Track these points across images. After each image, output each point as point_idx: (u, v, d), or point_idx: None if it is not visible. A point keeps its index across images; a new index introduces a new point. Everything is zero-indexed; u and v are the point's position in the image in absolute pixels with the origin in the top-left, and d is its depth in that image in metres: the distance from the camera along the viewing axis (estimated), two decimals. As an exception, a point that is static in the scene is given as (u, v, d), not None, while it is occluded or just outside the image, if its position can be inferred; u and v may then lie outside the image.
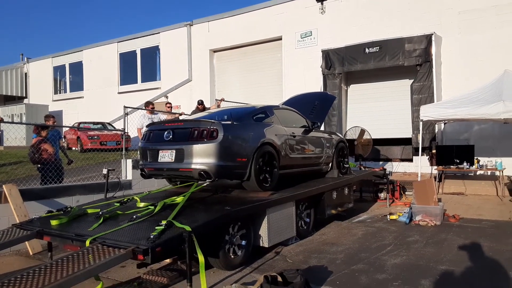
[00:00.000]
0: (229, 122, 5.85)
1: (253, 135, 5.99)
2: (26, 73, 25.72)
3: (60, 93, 24.65)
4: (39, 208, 6.52)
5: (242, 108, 7.35)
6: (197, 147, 5.51)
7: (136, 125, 9.51)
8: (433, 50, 12.18)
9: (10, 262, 5.74)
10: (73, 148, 15.69)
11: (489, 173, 11.17)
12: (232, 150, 5.65)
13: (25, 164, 10.60)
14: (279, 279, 4.25)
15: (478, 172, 11.21)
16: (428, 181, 8.19)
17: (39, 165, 7.51)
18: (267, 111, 6.73)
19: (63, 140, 10.41)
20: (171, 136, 5.82)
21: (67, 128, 16.86)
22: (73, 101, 23.04)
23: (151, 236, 4.04)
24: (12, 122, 17.76)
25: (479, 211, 8.64)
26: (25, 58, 26.06)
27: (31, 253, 6.10)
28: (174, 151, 5.69)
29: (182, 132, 5.79)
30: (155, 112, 10.22)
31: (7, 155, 13.54)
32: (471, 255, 5.66)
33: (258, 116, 6.52)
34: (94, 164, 10.77)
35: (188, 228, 4.21)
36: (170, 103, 11.67)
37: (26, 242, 6.00)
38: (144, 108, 10.35)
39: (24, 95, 25.59)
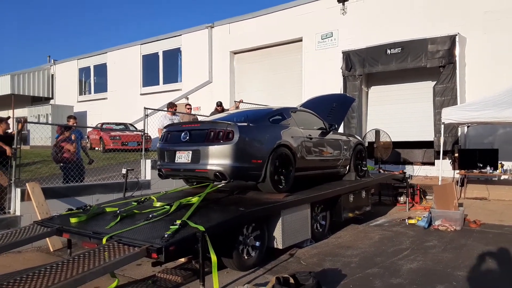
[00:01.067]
0: (245, 124, 5.89)
1: (269, 137, 6.01)
2: (52, 75, 26.49)
3: (85, 94, 25.28)
4: (61, 206, 6.70)
5: (259, 110, 7.37)
6: (212, 149, 5.57)
7: (156, 126, 9.66)
8: (457, 51, 11.91)
9: (31, 258, 5.93)
10: (96, 148, 16.07)
11: (514, 178, 10.84)
12: (248, 151, 5.68)
13: (49, 163, 10.91)
14: (291, 281, 4.26)
15: (502, 177, 10.88)
16: (448, 185, 8.03)
17: (61, 164, 7.74)
18: (283, 113, 6.73)
19: (86, 140, 10.66)
20: (188, 137, 5.91)
21: (91, 129, 17.26)
22: (97, 102, 23.58)
23: (165, 235, 4.10)
24: (36, 123, 18.38)
25: (502, 216, 8.40)
26: (52, 60, 26.90)
27: (51, 250, 6.29)
28: (190, 152, 5.76)
29: (199, 134, 5.87)
30: (176, 114, 10.33)
31: (32, 154, 13.96)
32: (491, 261, 5.52)
33: (274, 118, 6.52)
34: (115, 164, 11.00)
35: (201, 228, 4.26)
36: (190, 105, 11.81)
37: (47, 239, 6.19)
38: (164, 109, 10.48)
39: (50, 96, 26.35)
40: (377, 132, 11.76)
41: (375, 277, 4.92)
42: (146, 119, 9.09)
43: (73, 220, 5.07)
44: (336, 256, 5.82)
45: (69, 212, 5.50)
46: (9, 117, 7.05)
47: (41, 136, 16.39)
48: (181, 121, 9.80)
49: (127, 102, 21.17)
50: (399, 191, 10.31)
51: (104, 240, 4.27)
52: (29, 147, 18.01)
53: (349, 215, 7.35)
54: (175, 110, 10.29)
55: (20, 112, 24.37)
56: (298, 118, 6.95)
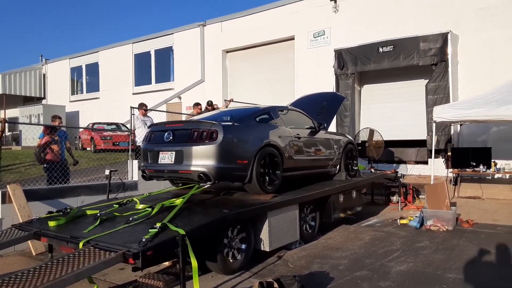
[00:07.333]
0: (230, 123, 5.75)
1: (254, 137, 5.86)
2: (44, 74, 26.19)
3: (77, 94, 25.02)
4: (44, 208, 6.49)
5: (244, 109, 7.23)
6: (196, 149, 5.41)
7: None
8: (449, 49, 11.80)
9: (11, 262, 5.75)
10: (87, 149, 15.87)
11: (507, 177, 10.74)
12: (232, 151, 5.53)
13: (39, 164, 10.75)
14: (275, 285, 4.12)
15: (496, 176, 10.79)
16: (440, 185, 7.90)
17: (45, 165, 7.56)
18: (270, 112, 6.58)
19: (70, 141, 10.30)
20: (171, 137, 5.75)
21: (82, 129, 17.05)
22: (89, 102, 23.33)
23: (143, 239, 3.95)
24: (17, 123, 18.13)
25: (495, 216, 8.30)
26: (44, 59, 26.56)
27: (34, 254, 6.11)
28: (174, 152, 5.61)
29: (182, 134, 5.71)
30: (147, 115, 10.15)
31: (23, 155, 13.80)
32: (482, 263, 5.40)
33: (261, 117, 6.38)
34: (106, 164, 10.82)
35: (181, 232, 4.10)
36: (200, 104, 11.21)
37: (29, 243, 6.03)
38: (154, 109, 10.31)
39: (42, 96, 26.06)
40: (369, 131, 11.63)
41: (363, 280, 4.78)
42: (132, 118, 8.91)
43: (51, 223, 4.90)
44: (324, 258, 5.68)
45: (49, 215, 5.33)
46: None
47: (33, 137, 16.16)
48: (153, 121, 9.59)
49: (119, 101, 20.86)
50: (391, 191, 10.19)
51: (80, 245, 4.11)
52: (21, 148, 17.78)
53: (339, 215, 7.21)
54: (146, 110, 10.08)
55: (12, 113, 24.11)
56: (286, 117, 6.81)
